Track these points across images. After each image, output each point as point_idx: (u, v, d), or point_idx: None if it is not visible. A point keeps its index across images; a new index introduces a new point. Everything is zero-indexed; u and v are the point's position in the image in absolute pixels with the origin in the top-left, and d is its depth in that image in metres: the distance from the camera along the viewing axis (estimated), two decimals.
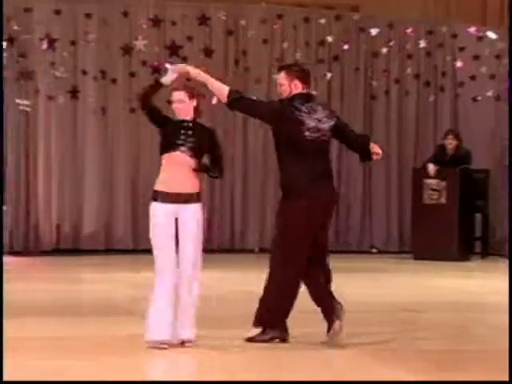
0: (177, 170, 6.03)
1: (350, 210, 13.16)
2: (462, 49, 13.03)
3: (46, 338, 6.40)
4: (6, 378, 5.07)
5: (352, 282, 9.65)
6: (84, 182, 12.34)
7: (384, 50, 13.07)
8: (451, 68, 13.30)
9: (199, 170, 6.05)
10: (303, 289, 6.33)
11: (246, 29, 12.73)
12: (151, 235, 6.03)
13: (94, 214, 12.42)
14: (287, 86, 6.34)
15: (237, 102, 6.29)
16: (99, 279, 9.70)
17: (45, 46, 12.05)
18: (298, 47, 12.87)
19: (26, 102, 12.06)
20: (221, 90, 6.31)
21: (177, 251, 6.01)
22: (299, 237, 6.20)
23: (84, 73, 12.29)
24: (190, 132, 6.10)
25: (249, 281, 8.64)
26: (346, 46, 12.97)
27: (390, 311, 7.92)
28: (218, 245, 12.60)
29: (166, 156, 6.08)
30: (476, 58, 12.74)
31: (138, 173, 12.46)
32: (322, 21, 12.91)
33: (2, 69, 11.70)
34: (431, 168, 11.94)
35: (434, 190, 11.97)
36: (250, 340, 6.26)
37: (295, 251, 6.22)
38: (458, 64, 13.03)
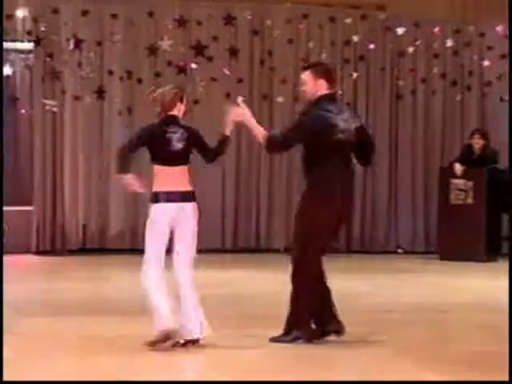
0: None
1: (375, 209, 13.11)
2: (489, 48, 12.95)
3: (80, 337, 6.45)
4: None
5: (378, 283, 9.62)
6: (110, 182, 12.37)
7: (410, 50, 13.01)
8: (478, 67, 13.22)
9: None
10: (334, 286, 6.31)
11: (272, 29, 12.72)
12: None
13: (120, 213, 12.46)
14: (312, 85, 6.32)
15: (273, 148, 6.33)
16: (124, 278, 9.72)
17: (71, 46, 12.12)
18: (323, 47, 12.83)
19: (52, 103, 12.13)
20: (261, 138, 6.32)
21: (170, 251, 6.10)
22: (327, 236, 6.23)
23: (110, 73, 12.34)
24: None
25: (277, 280, 8.63)
26: (372, 46, 12.92)
27: (417, 312, 7.87)
28: (244, 245, 12.63)
29: None
30: (503, 57, 12.65)
31: None
32: (348, 20, 12.87)
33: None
34: (458, 168, 11.87)
35: (460, 190, 11.89)
36: (273, 340, 6.25)
37: (321, 250, 6.23)
38: (486, 63, 12.95)
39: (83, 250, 12.23)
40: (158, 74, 12.37)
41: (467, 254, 11.62)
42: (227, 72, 12.55)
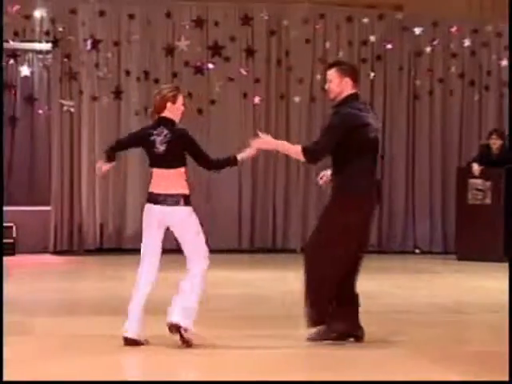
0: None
1: (393, 210, 13.07)
2: (507, 47, 12.89)
3: (92, 336, 6.46)
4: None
5: (396, 283, 9.58)
6: (127, 182, 12.41)
7: (428, 50, 12.98)
8: (496, 67, 13.17)
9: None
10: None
11: (289, 29, 12.72)
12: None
13: (137, 213, 12.43)
14: (338, 83, 6.26)
15: (313, 156, 6.22)
16: None
17: (89, 46, 12.16)
18: (340, 47, 12.81)
19: (70, 103, 12.17)
20: (297, 154, 6.24)
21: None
22: (363, 235, 6.20)
23: (127, 73, 12.37)
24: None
25: (289, 280, 8.62)
26: (389, 46, 12.89)
27: (435, 312, 7.84)
28: (260, 245, 12.62)
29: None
30: None
31: None
32: (365, 20, 12.86)
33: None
34: (476, 168, 11.81)
35: (478, 190, 11.84)
36: (310, 340, 6.21)
37: (350, 249, 6.17)
38: (504, 63, 12.88)
39: (100, 250, 12.27)
40: (175, 75, 12.39)
41: (485, 254, 11.56)
42: (244, 72, 12.56)
